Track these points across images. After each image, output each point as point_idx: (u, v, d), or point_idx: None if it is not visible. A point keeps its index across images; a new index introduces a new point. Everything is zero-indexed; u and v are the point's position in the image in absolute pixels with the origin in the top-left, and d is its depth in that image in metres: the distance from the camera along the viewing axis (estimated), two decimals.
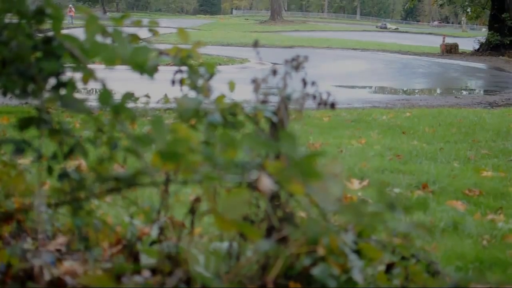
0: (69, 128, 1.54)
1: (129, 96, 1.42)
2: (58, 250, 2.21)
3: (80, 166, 2.30)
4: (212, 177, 1.33)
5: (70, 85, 1.53)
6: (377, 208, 1.35)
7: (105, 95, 1.39)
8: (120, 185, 1.46)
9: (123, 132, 1.42)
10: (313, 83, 2.10)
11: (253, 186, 1.57)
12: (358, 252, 1.72)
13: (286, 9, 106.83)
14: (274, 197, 1.75)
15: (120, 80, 3.82)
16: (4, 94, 1.62)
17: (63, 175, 1.58)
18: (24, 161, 2.96)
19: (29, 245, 2.21)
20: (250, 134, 1.32)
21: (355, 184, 4.45)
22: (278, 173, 1.29)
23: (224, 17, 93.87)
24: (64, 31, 1.57)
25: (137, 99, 2.00)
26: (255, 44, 2.24)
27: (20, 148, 1.50)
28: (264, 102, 2.02)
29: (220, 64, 19.31)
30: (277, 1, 71.86)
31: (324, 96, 2.10)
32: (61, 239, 2.24)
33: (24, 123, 1.51)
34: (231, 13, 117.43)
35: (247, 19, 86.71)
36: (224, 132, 1.45)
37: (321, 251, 1.60)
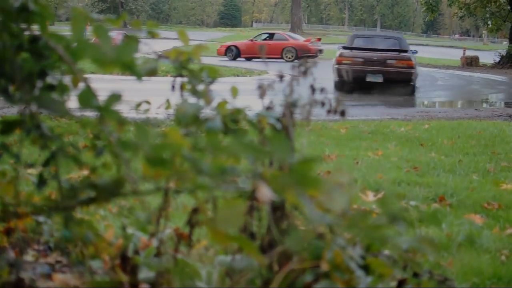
0: (52, 133, 1.45)
1: (115, 98, 1.32)
2: (59, 262, 2.16)
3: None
4: (202, 186, 1.23)
5: (59, 87, 1.45)
6: (379, 220, 1.24)
7: (86, 95, 1.29)
8: (101, 194, 1.37)
9: (109, 136, 1.32)
10: (322, 90, 2.00)
11: (253, 196, 1.48)
12: (366, 267, 1.62)
13: (306, 22, 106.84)
14: (276, 208, 1.65)
15: (133, 90, 3.75)
16: None
17: (42, 183, 1.49)
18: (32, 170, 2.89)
19: (29, 257, 2.16)
20: (239, 139, 1.22)
21: (370, 196, 4.33)
22: (274, 181, 1.19)
23: (244, 30, 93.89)
24: None
25: (138, 105, 1.92)
26: (261, 50, 2.16)
27: None
28: (269, 108, 1.93)
29: (238, 76, 19.34)
30: (297, 14, 71.84)
31: (334, 103, 2.01)
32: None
33: (7, 127, 1.42)
34: (252, 26, 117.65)
35: None
36: (212, 136, 1.35)
37: (324, 267, 1.49)
